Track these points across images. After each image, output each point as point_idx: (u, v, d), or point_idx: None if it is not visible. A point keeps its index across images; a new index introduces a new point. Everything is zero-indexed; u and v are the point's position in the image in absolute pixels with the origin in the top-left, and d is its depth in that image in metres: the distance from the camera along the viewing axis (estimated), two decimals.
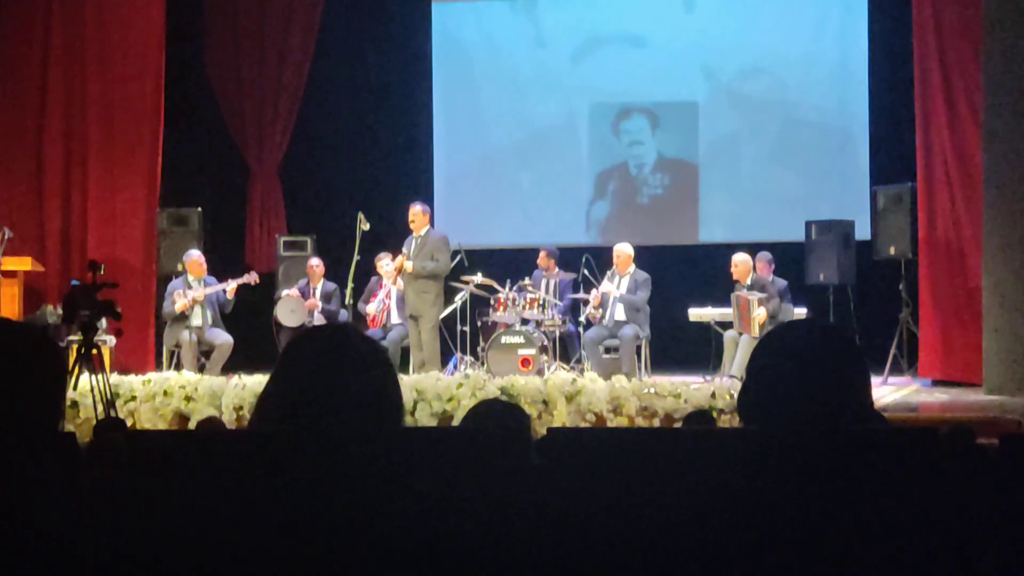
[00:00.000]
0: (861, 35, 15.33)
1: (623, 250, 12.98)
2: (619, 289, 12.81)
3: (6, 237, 11.91)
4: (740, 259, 12.67)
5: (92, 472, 2.51)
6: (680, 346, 13.84)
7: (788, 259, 13.76)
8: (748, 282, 12.51)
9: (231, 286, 12.93)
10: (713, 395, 9.96)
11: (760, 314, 12.08)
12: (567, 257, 13.96)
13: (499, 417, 3.71)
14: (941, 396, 11.53)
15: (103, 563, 2.40)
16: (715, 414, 9.24)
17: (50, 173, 13.61)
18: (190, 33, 15.59)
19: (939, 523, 2.34)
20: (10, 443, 2.54)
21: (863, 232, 13.81)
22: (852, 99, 15.42)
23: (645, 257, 13.56)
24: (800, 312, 13.04)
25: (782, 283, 12.98)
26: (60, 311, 10.62)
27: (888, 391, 11.78)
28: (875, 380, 12.22)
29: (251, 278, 13.21)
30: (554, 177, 16.33)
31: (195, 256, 13.07)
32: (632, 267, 12.92)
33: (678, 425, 9.62)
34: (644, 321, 12.76)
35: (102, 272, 9.36)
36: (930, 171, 12.61)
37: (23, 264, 12.15)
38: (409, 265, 12.09)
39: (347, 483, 2.35)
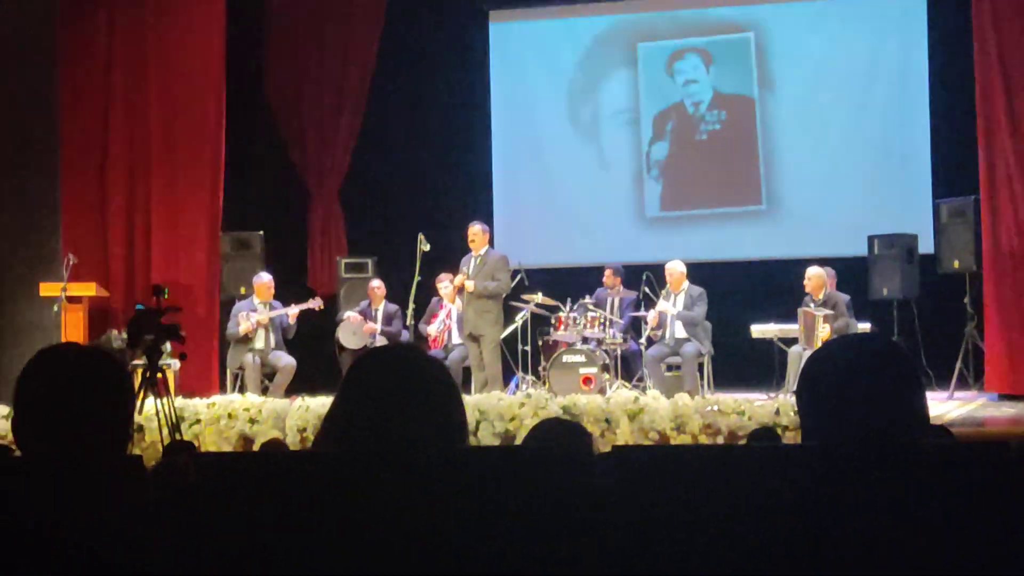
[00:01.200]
0: (921, 47, 15.20)
1: (675, 268, 12.95)
2: (675, 307, 12.77)
3: (71, 263, 12.03)
4: (814, 273, 12.59)
5: (159, 495, 2.52)
6: (743, 362, 13.75)
7: (850, 274, 13.66)
8: (821, 297, 12.43)
9: (294, 311, 12.98)
10: (777, 412, 9.88)
11: (824, 332, 12.00)
12: (628, 275, 13.94)
13: (562, 436, 3.70)
14: (1008, 410, 11.40)
15: None
16: (780, 431, 9.17)
17: (114, 199, 13.75)
18: (251, 58, 15.72)
19: (1009, 539, 2.31)
20: (80, 466, 2.57)
21: (926, 246, 13.69)
22: (913, 111, 15.28)
23: (705, 272, 13.51)
24: (864, 327, 12.92)
25: (844, 298, 12.89)
26: (125, 335, 10.71)
27: (954, 406, 11.66)
28: (941, 395, 12.12)
29: (315, 304, 13.27)
30: (612, 191, 16.32)
31: (264, 279, 13.13)
32: (686, 283, 12.88)
33: (742, 442, 9.56)
34: (705, 337, 12.71)
35: (166, 296, 9.43)
36: (993, 183, 12.48)
37: (88, 290, 12.26)
38: (470, 284, 12.10)
39: (413, 503, 2.35)
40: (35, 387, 2.73)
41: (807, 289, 12.55)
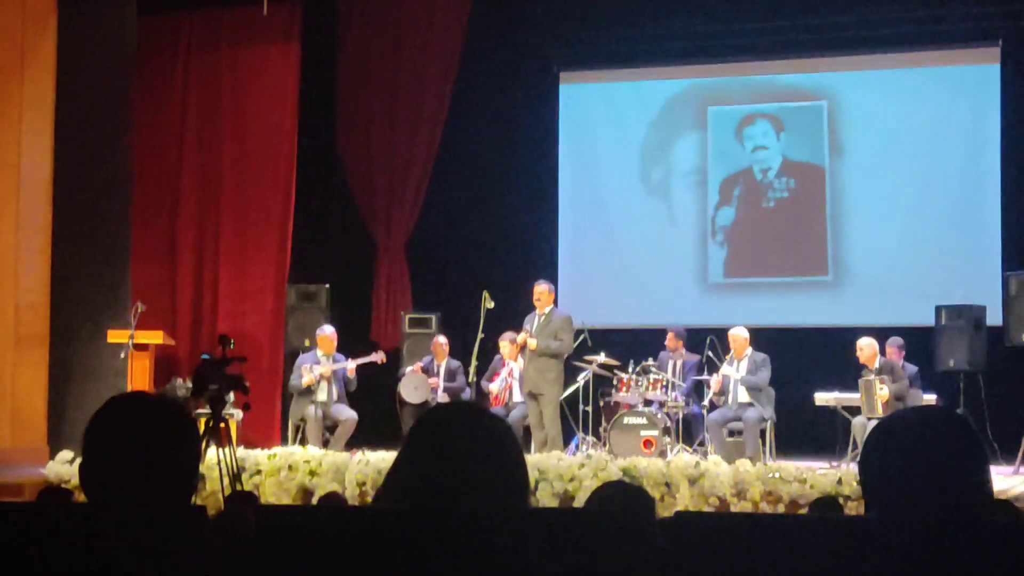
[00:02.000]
0: (994, 117, 15.12)
1: (739, 334, 12.91)
2: (738, 372, 12.71)
3: (139, 311, 12.16)
4: (865, 343, 12.50)
5: (220, 545, 2.54)
6: (806, 430, 13.63)
7: (917, 344, 13.54)
8: (876, 366, 12.33)
9: (351, 365, 13.03)
10: (840, 481, 9.80)
11: (883, 393, 11.90)
12: (690, 338, 13.91)
13: (624, 500, 3.69)
14: None
15: None
16: (841, 501, 9.08)
17: (183, 249, 13.91)
18: (323, 112, 15.88)
19: None
20: (145, 514, 2.59)
21: (995, 318, 13.55)
22: (984, 181, 15.18)
23: (772, 338, 13.45)
24: (929, 398, 12.80)
25: (912, 369, 12.78)
26: (189, 384, 10.79)
27: (1020, 481, 11.48)
28: (1007, 469, 11.94)
29: (378, 357, 13.33)
30: (677, 254, 16.30)
31: (327, 332, 13.21)
32: (749, 349, 12.83)
33: (803, 511, 9.48)
34: (768, 403, 12.63)
35: (232, 346, 9.50)
36: None
37: (155, 338, 12.39)
38: (533, 342, 12.09)
39: (474, 563, 2.35)
40: (104, 434, 2.75)
41: (861, 360, 12.45)
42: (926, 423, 2.66)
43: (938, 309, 13.70)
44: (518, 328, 12.66)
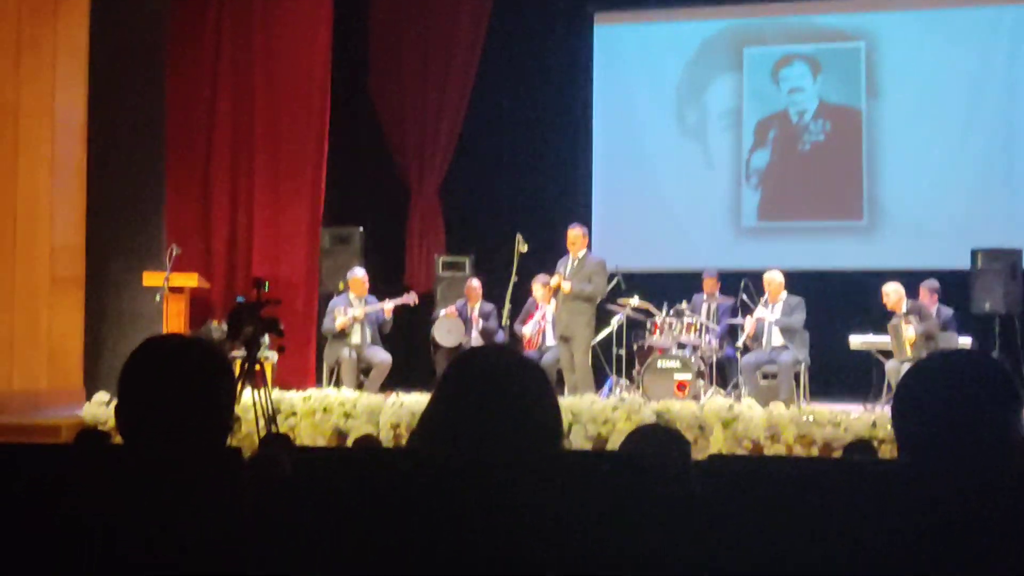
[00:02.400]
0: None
1: (774, 278, 12.87)
2: (773, 316, 12.68)
3: (174, 254, 12.19)
4: (891, 288, 12.43)
5: (255, 486, 2.55)
6: (840, 374, 13.59)
7: (953, 287, 13.45)
8: (904, 309, 12.26)
9: (389, 305, 13.07)
10: (874, 424, 9.78)
11: (909, 334, 11.85)
12: (724, 281, 13.87)
13: (660, 443, 3.68)
14: None
15: (262, 572, 2.44)
16: (876, 444, 9.06)
17: (217, 191, 13.90)
18: (355, 55, 15.84)
19: None
20: (181, 455, 2.60)
21: None
22: (1021, 124, 15.05)
23: (807, 281, 13.39)
24: (964, 342, 12.74)
25: (948, 312, 12.71)
26: (224, 327, 10.82)
27: None
28: None
29: (411, 299, 13.35)
30: (711, 197, 16.22)
31: (359, 274, 13.24)
32: (784, 293, 12.78)
33: (837, 454, 9.47)
34: (802, 346, 12.59)
35: (266, 289, 9.53)
36: None
37: (190, 280, 12.42)
38: (566, 285, 12.06)
39: (508, 507, 2.35)
40: (140, 376, 2.76)
41: (888, 306, 12.38)
42: (960, 367, 2.65)
43: (974, 252, 13.60)
44: (551, 271, 12.64)
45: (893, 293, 12.36)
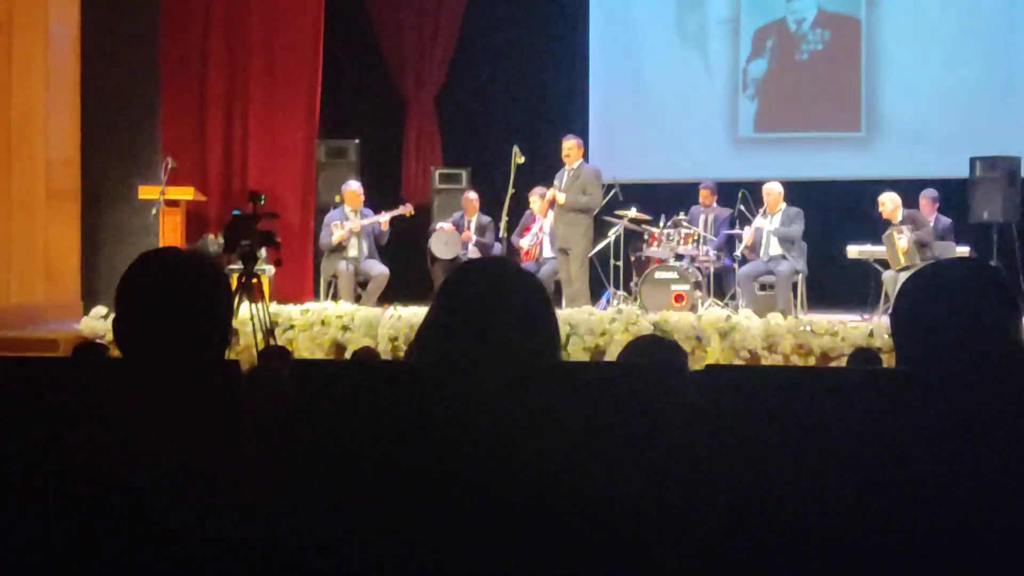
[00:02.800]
0: None
1: (773, 188, 12.84)
2: (772, 226, 12.66)
3: (170, 167, 12.16)
4: (887, 198, 12.39)
5: (254, 400, 2.56)
6: (838, 284, 13.60)
7: (951, 196, 13.43)
8: (899, 218, 12.24)
9: (385, 218, 13.05)
10: (871, 334, 9.81)
11: (902, 243, 11.84)
12: (722, 192, 13.84)
13: (657, 353, 3.69)
14: None
15: (261, 488, 2.45)
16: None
17: (212, 104, 13.83)
18: None
19: None
20: (179, 368, 2.60)
21: None
22: (1019, 31, 14.94)
23: (804, 192, 13.36)
24: (963, 251, 12.73)
25: (947, 221, 12.69)
26: (221, 240, 10.81)
27: None
28: None
29: (406, 209, 13.32)
30: (708, 107, 16.13)
31: (354, 187, 13.20)
32: (783, 204, 12.76)
33: (835, 363, 9.51)
34: (800, 256, 12.59)
35: (262, 203, 9.51)
36: None
37: (186, 193, 12.39)
38: (561, 197, 12.03)
39: (506, 417, 2.36)
40: (137, 290, 2.76)
41: (884, 216, 12.35)
42: (958, 275, 2.64)
43: (972, 161, 13.55)
44: (549, 183, 12.61)
45: (889, 202, 12.33)
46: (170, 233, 12.20)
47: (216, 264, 2.93)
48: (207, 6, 13.79)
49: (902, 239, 11.86)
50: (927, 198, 12.80)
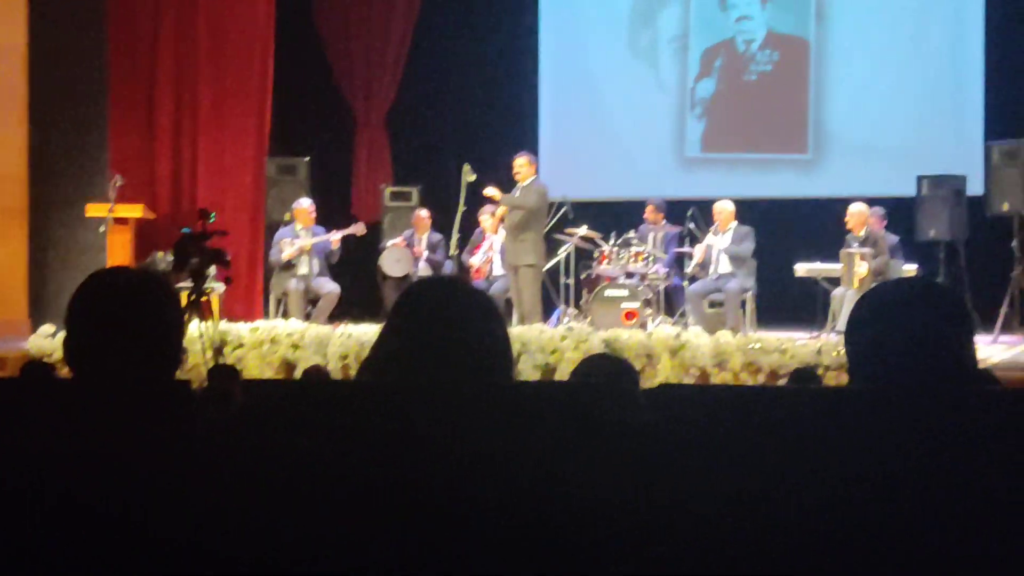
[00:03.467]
0: None
1: (724, 207, 12.91)
2: (722, 243, 12.73)
3: (118, 184, 12.08)
4: (855, 209, 12.48)
5: (206, 420, 2.54)
6: (786, 301, 13.68)
7: (899, 214, 13.54)
8: (862, 234, 12.33)
9: (337, 236, 13.04)
10: (819, 352, 9.86)
11: (862, 270, 11.93)
12: (673, 210, 13.89)
13: (609, 372, 3.70)
14: None
15: (211, 509, 2.44)
16: (821, 371, 9.15)
17: (161, 121, 13.77)
18: None
19: None
20: (129, 388, 2.59)
21: (976, 187, 13.55)
22: (967, 51, 15.10)
23: (752, 210, 13.43)
24: (910, 268, 12.84)
25: (894, 239, 12.79)
26: (170, 258, 10.76)
27: (999, 350, 11.59)
28: (986, 338, 12.03)
29: (358, 229, 13.32)
30: (658, 126, 16.20)
31: (305, 204, 13.19)
32: (734, 222, 12.83)
33: (783, 381, 9.55)
34: (749, 274, 12.67)
35: (212, 220, 9.47)
36: None
37: (134, 211, 12.32)
38: (496, 193, 12.05)
39: (459, 437, 2.36)
40: (88, 309, 2.75)
41: (848, 226, 12.47)
42: (912, 293, 2.67)
43: (919, 179, 13.67)
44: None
45: (856, 215, 12.41)
46: (118, 251, 12.11)
47: (167, 283, 2.92)
48: (155, 22, 13.73)
49: (863, 266, 11.93)
50: (875, 216, 12.88)
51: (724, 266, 12.66)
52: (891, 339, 2.57)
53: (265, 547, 2.41)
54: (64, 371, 2.79)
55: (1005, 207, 12.89)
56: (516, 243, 12.11)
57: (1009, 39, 14.24)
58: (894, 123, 15.25)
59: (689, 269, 13.02)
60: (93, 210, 12.09)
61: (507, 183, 12.48)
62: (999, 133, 13.84)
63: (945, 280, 12.68)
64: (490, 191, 12.16)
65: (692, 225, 13.16)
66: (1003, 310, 12.50)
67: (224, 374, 6.10)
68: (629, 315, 12.03)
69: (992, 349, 11.47)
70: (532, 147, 14.92)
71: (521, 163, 12.26)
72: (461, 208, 12.43)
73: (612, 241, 12.92)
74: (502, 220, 12.40)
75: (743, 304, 12.58)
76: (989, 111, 14.82)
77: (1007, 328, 12.53)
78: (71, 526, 2.42)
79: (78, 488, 2.43)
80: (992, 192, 13.11)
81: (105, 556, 2.42)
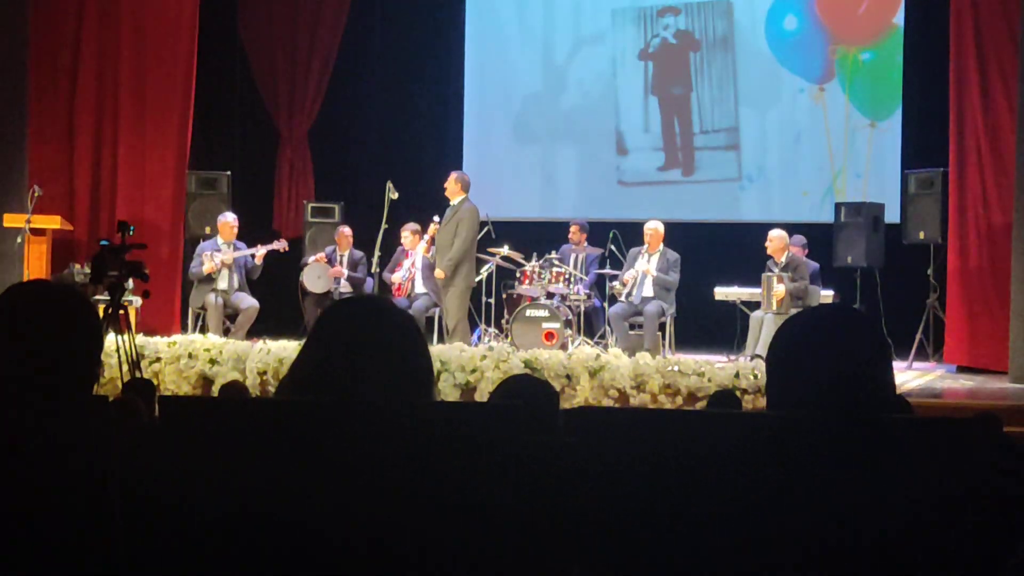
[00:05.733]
0: (898, 15, 15.21)
1: (655, 228, 12.95)
2: (649, 266, 12.77)
3: (36, 195, 11.95)
4: (776, 235, 12.61)
5: (121, 435, 2.52)
6: (705, 325, 13.80)
7: (817, 241, 13.69)
8: (783, 260, 12.46)
9: (260, 252, 12.98)
10: (737, 375, 9.94)
11: (779, 291, 12.05)
12: (594, 232, 13.94)
13: (530, 393, 3.71)
14: (966, 383, 11.49)
15: (131, 523, 2.42)
16: (739, 394, 9.21)
17: (81, 132, 13.64)
18: None
19: (965, 511, 2.33)
20: (46, 403, 2.56)
21: (893, 216, 13.74)
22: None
23: (674, 234, 13.51)
24: (827, 294, 12.97)
25: (814, 266, 12.91)
26: (88, 271, 10.64)
27: (913, 376, 11.74)
28: (900, 365, 12.19)
29: (280, 245, 13.27)
30: (582, 147, 16.27)
31: (228, 219, 13.11)
32: (662, 246, 12.89)
33: (701, 404, 9.62)
34: (670, 298, 12.75)
35: (131, 233, 9.37)
36: (962, 156, 12.49)
37: (52, 222, 12.19)
38: (439, 271, 12.17)
39: (378, 455, 2.35)
40: (4, 322, 2.71)
41: (769, 251, 12.59)
42: (832, 320, 2.70)
43: (837, 206, 13.84)
44: (421, 219, 12.64)
45: (777, 240, 12.55)
46: (35, 262, 11.97)
47: (85, 298, 2.89)
48: (77, 30, 13.61)
49: (780, 287, 12.06)
50: (797, 245, 13.00)
51: (647, 289, 12.72)
52: (810, 365, 2.60)
53: (179, 563, 2.39)
54: None
55: (921, 235, 13.07)
56: (445, 262, 12.10)
57: (927, 70, 14.43)
58: (814, 151, 15.43)
59: (616, 292, 13.00)
60: (10, 220, 11.93)
61: (429, 200, 12.48)
62: (917, 163, 14.02)
63: (861, 306, 12.83)
64: (433, 231, 12.29)
65: (613, 247, 13.23)
66: (918, 337, 12.67)
67: (138, 389, 6.04)
68: (549, 335, 12.06)
69: (906, 375, 11.61)
70: (456, 165, 14.94)
71: (449, 180, 12.28)
72: (384, 226, 12.42)
73: (534, 261, 12.95)
74: (432, 240, 12.46)
75: (663, 326, 12.66)
76: (907, 141, 15.02)
77: (921, 355, 12.70)
78: None
79: None
80: (909, 220, 13.29)
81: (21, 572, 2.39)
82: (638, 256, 12.90)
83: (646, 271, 12.75)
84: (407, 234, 13.27)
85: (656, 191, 15.98)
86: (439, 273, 12.10)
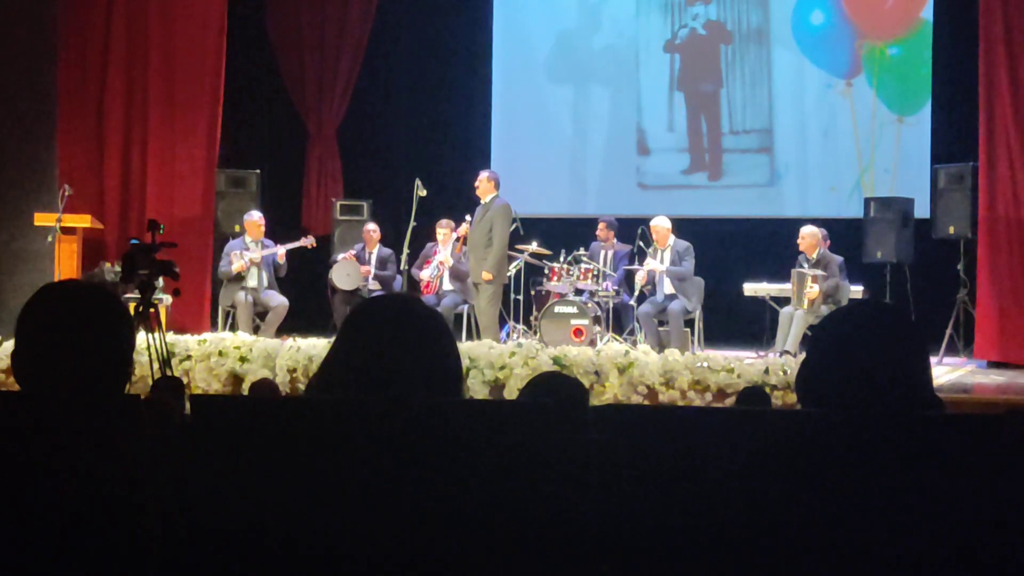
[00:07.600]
0: (926, 9, 15.14)
1: (661, 224, 12.90)
2: (662, 263, 12.76)
3: (66, 194, 12.00)
4: (808, 231, 12.57)
5: (153, 435, 2.53)
6: (734, 321, 13.78)
7: (847, 236, 13.65)
8: (815, 256, 12.42)
9: (284, 249, 13.00)
10: (767, 371, 9.91)
11: (812, 291, 12.02)
12: (622, 228, 13.92)
13: (559, 390, 3.72)
14: (996, 378, 11.43)
15: (163, 521, 2.43)
16: (768, 390, 9.19)
17: (111, 132, 13.69)
18: None
19: (998, 508, 2.33)
20: (79, 402, 2.57)
21: (922, 211, 13.68)
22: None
23: (701, 229, 13.48)
24: (856, 290, 12.93)
25: (838, 259, 12.87)
26: (118, 269, 10.68)
27: (943, 371, 11.69)
28: (931, 360, 12.10)
29: (308, 242, 13.30)
30: (610, 144, 16.23)
31: (255, 217, 13.13)
32: (672, 239, 12.85)
33: (731, 400, 9.60)
34: (694, 293, 12.70)
35: (161, 231, 9.40)
36: (992, 150, 12.43)
37: (83, 221, 12.24)
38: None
39: (408, 453, 2.36)
40: (37, 322, 2.74)
41: (801, 248, 12.55)
42: (869, 317, 2.70)
43: (867, 201, 13.79)
44: (451, 215, 12.63)
45: (809, 237, 12.51)
46: (66, 261, 12.02)
47: (117, 297, 2.91)
48: (106, 32, 13.66)
49: (814, 288, 12.02)
50: (818, 235, 12.95)
51: (667, 287, 12.70)
52: (852, 362, 2.59)
53: (213, 560, 2.41)
54: (14, 384, 2.78)
55: (951, 230, 13.00)
56: (477, 261, 12.10)
57: (957, 63, 14.36)
58: (844, 146, 15.37)
59: (636, 290, 12.99)
60: (41, 220, 11.99)
61: (458, 197, 12.49)
62: (946, 157, 13.96)
63: (891, 302, 12.77)
64: (464, 231, 12.28)
65: (641, 243, 13.22)
66: (948, 332, 12.62)
67: (168, 387, 6.07)
68: (578, 332, 12.05)
69: (936, 371, 11.56)
70: (484, 162, 14.95)
71: (480, 179, 12.25)
72: (412, 223, 12.42)
73: (562, 258, 12.94)
74: (463, 240, 12.45)
75: (692, 323, 12.64)
76: (935, 134, 14.95)
77: (951, 350, 12.64)
78: (17, 538, 2.40)
79: (25, 502, 2.41)
80: (938, 215, 13.22)
81: (54, 569, 2.41)
82: (649, 256, 12.89)
83: (659, 270, 12.73)
84: (444, 231, 13.24)
85: (680, 195, 15.88)
86: (486, 275, 11.99)
